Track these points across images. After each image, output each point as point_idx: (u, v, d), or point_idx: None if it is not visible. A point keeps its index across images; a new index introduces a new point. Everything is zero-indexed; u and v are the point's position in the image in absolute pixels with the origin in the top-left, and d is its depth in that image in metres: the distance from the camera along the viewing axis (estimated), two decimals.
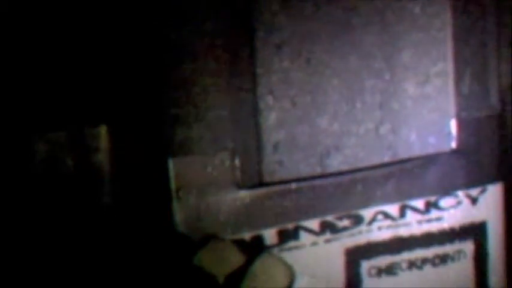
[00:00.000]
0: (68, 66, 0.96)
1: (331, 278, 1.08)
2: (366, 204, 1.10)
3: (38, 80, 0.95)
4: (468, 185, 1.15)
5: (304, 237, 1.07)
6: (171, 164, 1.00)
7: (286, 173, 1.05)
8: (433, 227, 1.14)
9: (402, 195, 1.12)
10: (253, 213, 1.04)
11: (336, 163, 1.07)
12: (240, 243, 0.99)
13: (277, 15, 1.03)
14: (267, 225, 1.04)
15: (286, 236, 1.06)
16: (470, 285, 1.17)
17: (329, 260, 1.09)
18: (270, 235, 1.05)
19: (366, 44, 1.08)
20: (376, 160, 1.09)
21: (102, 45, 0.96)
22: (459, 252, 1.16)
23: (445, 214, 1.14)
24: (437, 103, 1.12)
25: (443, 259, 1.15)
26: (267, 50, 1.04)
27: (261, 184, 1.04)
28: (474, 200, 1.16)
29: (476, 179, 1.16)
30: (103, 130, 0.98)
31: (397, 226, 1.12)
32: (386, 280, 1.12)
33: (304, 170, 1.06)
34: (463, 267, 1.16)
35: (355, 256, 1.10)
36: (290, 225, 1.06)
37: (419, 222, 1.13)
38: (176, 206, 1.00)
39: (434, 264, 1.15)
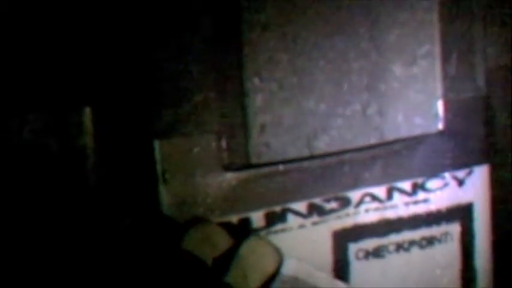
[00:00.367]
0: (50, 46, 0.94)
1: (318, 261, 1.07)
2: (353, 186, 1.09)
3: (19, 62, 0.93)
4: (455, 166, 1.15)
5: (292, 220, 1.06)
6: (156, 146, 0.98)
7: (273, 155, 1.04)
8: (420, 209, 1.14)
9: (389, 177, 1.11)
10: (240, 196, 1.03)
11: (322, 145, 1.06)
12: (228, 226, 0.98)
13: None
14: (254, 208, 1.04)
15: (274, 219, 1.05)
16: (456, 267, 1.17)
17: (316, 243, 1.08)
18: (257, 218, 1.04)
19: (353, 25, 1.07)
20: (363, 142, 1.09)
21: (85, 26, 0.94)
22: (446, 234, 1.16)
23: (431, 196, 1.14)
24: (424, 84, 1.11)
25: (430, 241, 1.15)
26: (252, 31, 1.02)
27: (248, 166, 1.03)
28: (461, 182, 1.16)
29: (463, 161, 1.15)
30: (87, 112, 0.96)
31: (385, 208, 1.12)
32: (373, 263, 1.12)
33: (292, 152, 1.05)
34: (450, 249, 1.16)
35: (342, 239, 1.10)
36: (277, 208, 1.05)
37: (407, 204, 1.13)
38: (162, 189, 0.98)
39: (421, 247, 1.14)
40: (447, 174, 1.15)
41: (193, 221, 0.96)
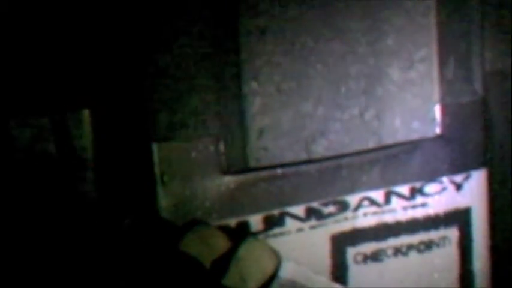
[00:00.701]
0: (49, 50, 0.94)
1: (316, 265, 1.07)
2: (351, 191, 1.09)
3: (19, 65, 0.94)
4: (453, 170, 1.15)
5: (290, 224, 1.06)
6: (155, 149, 0.98)
7: (272, 158, 1.04)
8: (418, 213, 1.14)
9: (387, 181, 1.11)
10: (238, 199, 1.03)
11: (321, 149, 1.07)
12: (226, 229, 0.98)
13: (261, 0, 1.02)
14: (253, 211, 1.04)
15: (272, 222, 1.05)
16: (455, 270, 1.17)
17: (315, 247, 1.08)
18: (255, 221, 1.04)
19: (350, 29, 1.07)
20: (361, 146, 1.09)
21: (84, 29, 0.95)
22: (444, 238, 1.16)
23: (430, 200, 1.14)
24: (421, 89, 1.11)
25: (429, 245, 1.15)
26: (251, 35, 1.03)
27: (246, 170, 1.03)
28: (459, 186, 1.16)
29: (461, 165, 1.16)
30: (85, 115, 0.97)
31: (383, 212, 1.12)
32: (372, 266, 1.12)
33: (290, 156, 1.05)
34: (448, 253, 1.16)
35: (340, 243, 1.10)
36: (275, 212, 1.05)
37: (405, 208, 1.13)
38: (161, 192, 0.98)
39: (419, 251, 1.14)
40: (445, 179, 1.15)
41: (191, 224, 0.96)
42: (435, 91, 1.12)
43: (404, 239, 1.13)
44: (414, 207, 1.13)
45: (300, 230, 1.07)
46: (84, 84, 0.95)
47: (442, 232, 1.15)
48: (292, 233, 1.06)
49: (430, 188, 1.14)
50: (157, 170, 0.98)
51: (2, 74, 0.92)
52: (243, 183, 1.03)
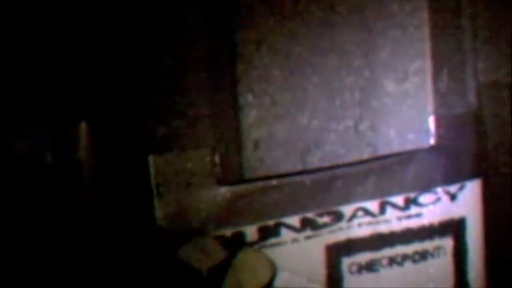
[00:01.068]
0: (47, 62, 0.95)
1: (311, 275, 1.08)
2: (346, 201, 1.10)
3: (16, 77, 0.95)
4: (447, 181, 1.16)
5: (285, 234, 1.07)
6: (151, 160, 0.99)
7: (267, 169, 1.05)
8: (413, 224, 1.15)
9: (382, 192, 1.12)
10: (234, 210, 1.04)
11: (316, 160, 1.08)
12: (222, 240, 0.99)
13: (257, 12, 1.03)
14: (248, 222, 1.04)
15: (267, 233, 1.06)
16: (450, 281, 1.17)
17: (310, 257, 1.09)
18: (251, 232, 1.05)
19: (345, 42, 1.09)
20: (355, 157, 1.10)
21: (81, 41, 0.96)
22: (439, 248, 1.16)
23: (424, 210, 1.15)
24: (415, 100, 1.13)
25: (423, 255, 1.16)
26: (247, 47, 1.04)
27: (242, 181, 1.04)
28: (453, 197, 1.17)
29: (455, 176, 1.16)
30: (83, 127, 0.98)
31: (377, 223, 1.13)
32: (367, 277, 1.13)
33: (285, 167, 1.06)
34: (443, 264, 1.17)
35: (335, 253, 1.10)
36: (271, 222, 1.06)
37: (399, 218, 1.14)
38: (157, 203, 0.99)
39: (414, 261, 1.15)
40: (439, 189, 1.16)
41: (187, 234, 0.96)
42: (429, 102, 1.13)
43: (399, 249, 1.14)
44: (409, 217, 1.14)
45: (295, 240, 1.08)
46: (81, 97, 0.96)
47: (436, 242, 1.16)
48: (287, 243, 1.07)
49: (424, 198, 1.15)
50: (153, 181, 0.99)
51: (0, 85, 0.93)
52: (238, 194, 1.04)
